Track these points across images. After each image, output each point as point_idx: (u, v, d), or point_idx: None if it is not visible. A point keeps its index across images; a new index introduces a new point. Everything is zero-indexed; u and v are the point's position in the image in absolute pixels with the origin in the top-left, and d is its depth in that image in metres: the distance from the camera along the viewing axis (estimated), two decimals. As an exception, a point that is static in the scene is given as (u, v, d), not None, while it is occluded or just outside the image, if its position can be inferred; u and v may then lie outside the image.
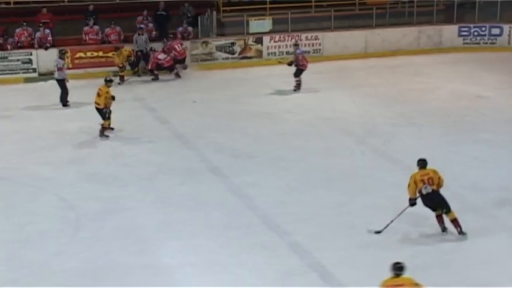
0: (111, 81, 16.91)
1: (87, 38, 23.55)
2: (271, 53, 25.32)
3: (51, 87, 21.25)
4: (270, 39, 25.30)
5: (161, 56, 22.82)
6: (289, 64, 21.39)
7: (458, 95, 20.89)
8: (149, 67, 22.87)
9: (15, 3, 23.78)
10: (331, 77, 22.04)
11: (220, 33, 25.22)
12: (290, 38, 25.35)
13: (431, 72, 23.84)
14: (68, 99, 19.75)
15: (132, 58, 22.87)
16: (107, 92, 16.54)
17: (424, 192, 11.61)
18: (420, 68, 24.48)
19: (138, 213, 12.75)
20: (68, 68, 20.74)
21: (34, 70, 22.71)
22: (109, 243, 11.57)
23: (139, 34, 23.24)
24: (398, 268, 8.76)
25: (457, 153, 15.58)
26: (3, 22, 23.00)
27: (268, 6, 25.68)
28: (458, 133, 17.23)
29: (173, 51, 23.14)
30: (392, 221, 11.79)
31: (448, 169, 13.85)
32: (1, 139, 16.99)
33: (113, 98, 16.73)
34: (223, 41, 24.92)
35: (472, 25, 27.22)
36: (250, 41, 25.15)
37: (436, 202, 11.67)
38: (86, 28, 23.53)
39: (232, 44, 24.98)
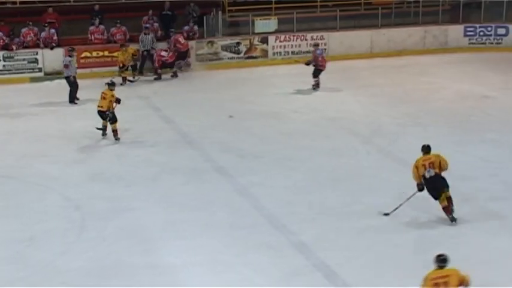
0: (113, 84, 16.82)
1: (92, 37, 23.60)
2: (277, 52, 25.33)
3: (57, 87, 21.39)
4: (276, 39, 25.31)
5: (164, 53, 22.88)
6: (307, 64, 21.45)
7: (464, 95, 20.87)
8: (156, 65, 22.92)
9: (21, 2, 23.84)
10: (336, 77, 22.02)
11: (225, 33, 25.22)
12: (295, 37, 25.38)
13: (437, 72, 23.82)
14: (77, 97, 20.03)
15: (137, 57, 22.93)
16: (112, 96, 16.49)
17: (427, 175, 11.90)
18: (426, 68, 24.46)
19: (142, 213, 12.75)
20: (74, 67, 20.84)
21: (40, 70, 22.77)
22: (114, 243, 11.57)
23: (145, 33, 23.28)
24: (441, 260, 8.78)
25: (462, 153, 15.53)
26: (9, 22, 23.05)
27: (273, 6, 25.69)
28: (464, 133, 17.21)
29: (177, 44, 23.22)
30: (400, 205, 12.20)
31: (454, 169, 13.83)
32: (7, 138, 17.03)
33: (119, 101, 16.63)
34: (228, 41, 24.93)
35: (477, 25, 27.20)
36: (256, 40, 25.16)
37: (440, 186, 11.92)
38: (91, 28, 23.58)
39: (238, 43, 24.99)
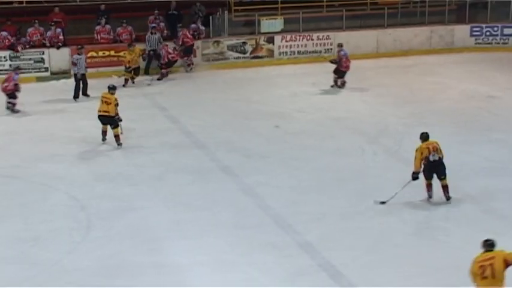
0: (114, 88, 16.58)
1: (98, 37, 23.64)
2: (283, 52, 25.34)
3: (63, 86, 21.43)
4: (282, 39, 25.32)
5: (170, 50, 22.95)
6: (332, 62, 21.57)
7: (470, 95, 20.83)
8: (163, 61, 22.93)
9: (27, 2, 23.94)
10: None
11: (231, 33, 25.23)
12: (301, 37, 25.38)
13: (443, 72, 23.79)
14: (80, 95, 20.31)
15: (144, 57, 22.97)
16: (115, 99, 16.26)
17: (431, 159, 12.60)
18: (432, 67, 24.44)
19: (148, 212, 12.77)
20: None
21: (46, 69, 22.81)
22: (120, 242, 11.59)
23: (152, 33, 23.29)
24: (489, 245, 8.96)
25: (468, 153, 15.53)
26: (16, 22, 23.09)
27: (279, 5, 25.69)
28: (469, 133, 17.18)
29: (185, 38, 23.36)
30: (396, 194, 12.67)
31: (460, 169, 13.89)
32: (13, 138, 17.06)
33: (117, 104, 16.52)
34: (234, 41, 24.95)
35: (484, 25, 27.15)
36: (262, 40, 25.17)
37: (440, 172, 12.70)
38: (97, 27, 23.63)
39: (244, 43, 25.00)
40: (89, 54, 22.84)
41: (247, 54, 25.07)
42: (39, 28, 22.96)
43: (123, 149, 16.13)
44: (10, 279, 10.45)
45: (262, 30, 25.35)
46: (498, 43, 27.16)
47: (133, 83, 22.00)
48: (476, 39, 27.18)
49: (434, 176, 12.79)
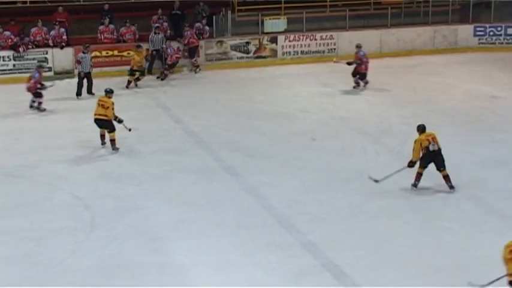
0: (112, 91, 16.37)
1: (102, 37, 23.62)
2: (286, 52, 25.33)
3: (67, 86, 21.42)
4: (285, 39, 25.31)
5: (176, 49, 23.02)
6: (349, 63, 21.41)
7: (473, 95, 20.82)
8: (170, 62, 22.93)
9: (31, 2, 23.95)
10: (345, 76, 21.94)
11: (235, 33, 25.23)
12: (305, 37, 25.38)
13: (446, 72, 23.78)
14: (82, 94, 20.50)
15: (148, 57, 22.98)
16: (112, 103, 16.07)
17: (431, 149, 13.02)
18: (435, 67, 24.42)
19: (152, 212, 12.79)
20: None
21: (50, 69, 22.80)
22: (123, 242, 11.60)
23: (155, 33, 23.29)
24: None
25: (471, 153, 15.53)
26: (19, 21, 23.11)
27: (283, 5, 25.66)
28: (473, 133, 17.18)
29: (191, 39, 23.44)
30: (391, 175, 13.36)
31: (463, 169, 13.89)
32: (17, 137, 17.08)
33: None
34: (238, 41, 24.95)
35: (487, 25, 27.11)
36: (265, 40, 25.16)
37: (439, 163, 13.08)
38: (101, 27, 23.62)
39: (247, 43, 25.00)
40: (93, 54, 22.73)
41: (251, 54, 25.06)
42: (43, 28, 22.97)
43: (127, 148, 16.12)
44: (13, 278, 10.45)
45: (265, 30, 25.34)
46: (502, 43, 27.12)
47: (136, 85, 21.92)
48: (479, 39, 27.15)
49: (429, 172, 13.04)
